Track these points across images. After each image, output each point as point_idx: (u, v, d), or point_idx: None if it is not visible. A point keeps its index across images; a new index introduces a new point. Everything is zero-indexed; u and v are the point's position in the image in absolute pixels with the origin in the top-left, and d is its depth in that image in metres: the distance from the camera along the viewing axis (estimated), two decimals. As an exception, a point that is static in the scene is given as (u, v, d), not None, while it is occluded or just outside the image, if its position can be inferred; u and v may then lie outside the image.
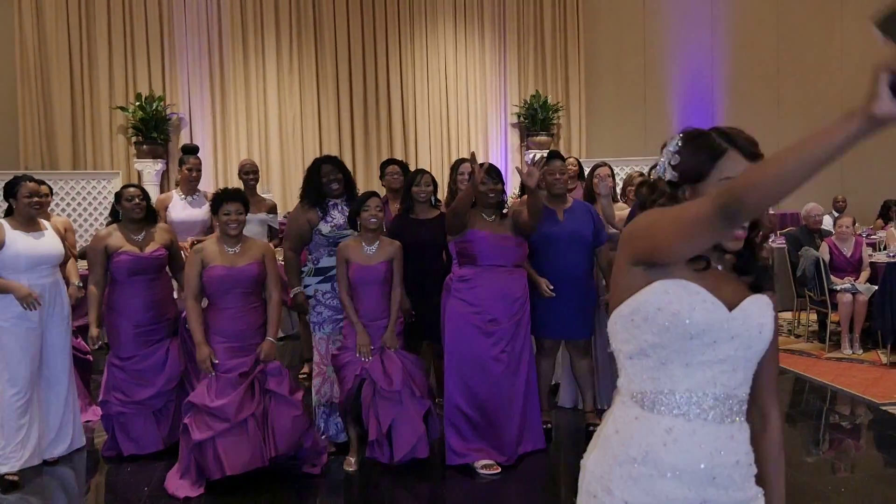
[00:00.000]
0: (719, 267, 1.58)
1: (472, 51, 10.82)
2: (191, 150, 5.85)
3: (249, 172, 6.04)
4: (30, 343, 4.20)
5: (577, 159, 5.83)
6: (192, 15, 10.00)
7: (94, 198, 9.15)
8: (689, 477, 1.46)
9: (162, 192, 8.34)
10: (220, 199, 4.05)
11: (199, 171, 5.71)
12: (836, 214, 9.11)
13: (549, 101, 10.66)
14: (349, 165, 10.38)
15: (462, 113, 10.81)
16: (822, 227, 7.87)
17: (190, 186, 5.60)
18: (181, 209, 5.54)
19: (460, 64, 10.79)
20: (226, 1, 10.05)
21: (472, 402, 4.15)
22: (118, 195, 4.51)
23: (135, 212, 4.45)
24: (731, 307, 1.50)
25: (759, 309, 1.53)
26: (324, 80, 10.37)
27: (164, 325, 4.53)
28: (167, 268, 4.63)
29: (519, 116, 10.82)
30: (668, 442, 1.47)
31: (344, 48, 10.39)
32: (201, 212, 5.51)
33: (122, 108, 9.66)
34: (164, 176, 9.78)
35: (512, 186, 9.89)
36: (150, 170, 9.51)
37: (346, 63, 10.40)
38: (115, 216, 4.53)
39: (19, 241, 4.21)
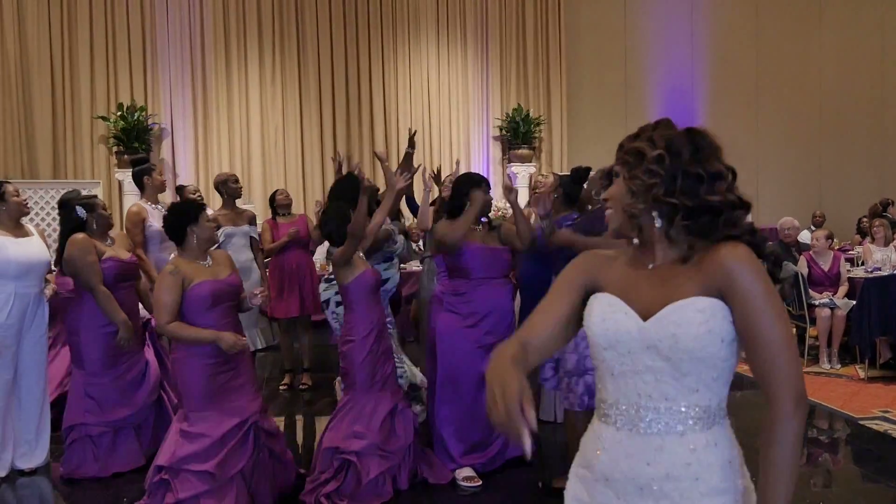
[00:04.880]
0: (650, 266, 1.56)
1: (454, 63, 10.86)
2: (139, 161, 5.76)
3: (237, 182, 5.99)
4: (6, 356, 4.12)
5: (555, 173, 5.84)
6: (175, 25, 9.97)
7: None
8: (617, 485, 1.53)
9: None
10: (198, 209, 3.71)
11: (164, 179, 5.64)
12: (814, 229, 9.20)
13: (530, 114, 10.72)
14: (331, 176, 10.34)
15: (444, 125, 10.84)
16: (801, 241, 7.96)
17: (157, 196, 5.45)
18: (158, 219, 5.32)
19: (443, 76, 10.83)
20: (208, 12, 10.04)
21: (466, 414, 4.15)
22: (90, 206, 4.28)
23: (110, 220, 4.40)
24: (650, 315, 1.50)
25: (680, 316, 1.47)
26: (306, 92, 10.37)
27: (138, 334, 4.45)
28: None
29: (501, 129, 10.87)
30: (600, 449, 1.57)
31: (327, 60, 10.40)
32: None
33: (104, 118, 9.60)
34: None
35: (497, 199, 9.94)
36: (130, 180, 9.41)
37: (328, 75, 10.41)
38: (79, 226, 4.24)
39: (10, 246, 4.09)
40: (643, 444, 1.49)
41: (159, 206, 5.42)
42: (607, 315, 1.54)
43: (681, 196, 1.52)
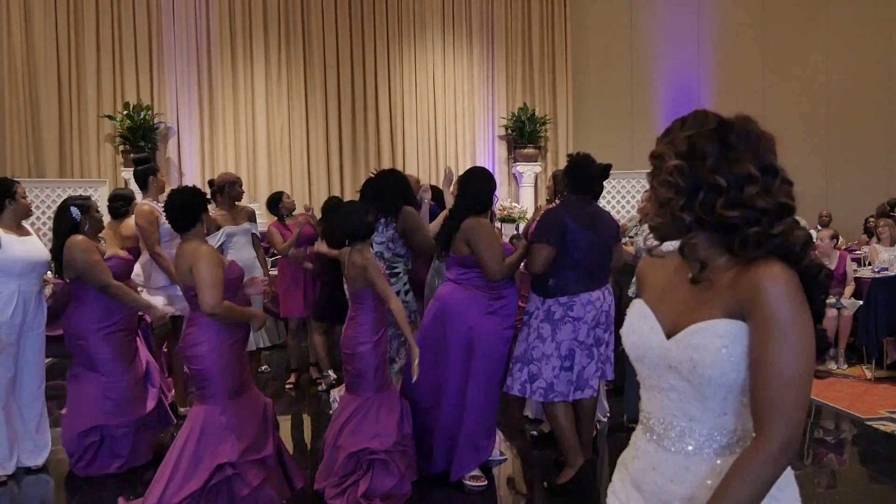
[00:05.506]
0: (689, 275, 1.44)
1: (460, 63, 10.86)
2: (142, 161, 5.78)
3: (242, 185, 6.01)
4: (8, 353, 4.14)
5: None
6: (181, 24, 9.99)
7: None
8: (645, 495, 1.49)
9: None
10: (205, 200, 3.73)
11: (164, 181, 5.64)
12: (820, 229, 9.16)
13: (536, 113, 10.71)
14: (336, 176, 10.45)
15: (450, 125, 10.83)
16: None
17: (157, 195, 5.43)
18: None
19: (448, 75, 10.82)
20: (214, 11, 10.05)
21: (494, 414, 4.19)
22: (84, 207, 4.28)
23: (102, 222, 4.45)
24: (676, 331, 1.41)
25: (699, 340, 1.36)
26: (312, 91, 10.38)
27: (136, 332, 4.51)
28: None
29: (506, 129, 10.86)
30: (635, 456, 1.54)
31: (332, 59, 10.40)
32: None
33: (110, 117, 9.62)
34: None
35: (500, 198, 9.94)
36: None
37: (334, 73, 10.41)
38: (73, 227, 4.24)
39: (15, 244, 4.14)
40: (670, 461, 1.44)
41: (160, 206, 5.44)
42: (635, 326, 1.49)
43: (699, 211, 1.37)
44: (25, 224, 4.40)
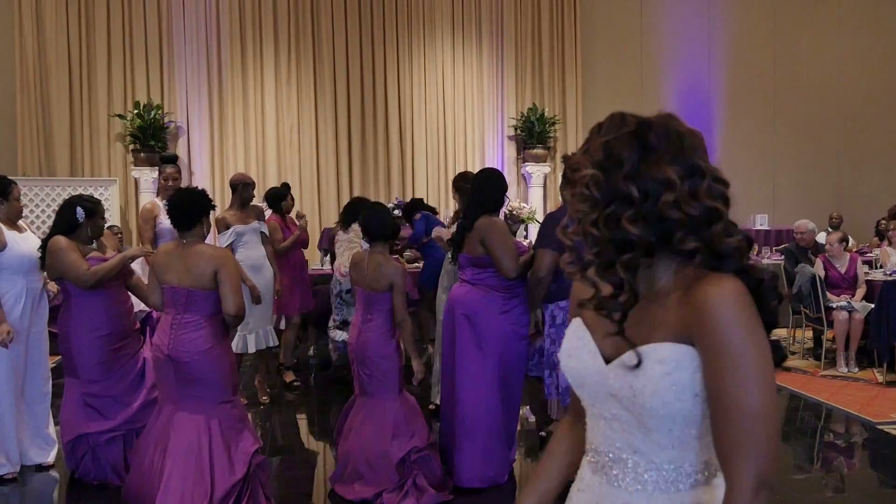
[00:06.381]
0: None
1: (469, 63, 10.84)
2: (168, 159, 5.77)
3: (255, 188, 6.04)
4: (16, 348, 4.14)
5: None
6: (191, 24, 10.01)
7: (91, 205, 9.12)
8: None
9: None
10: (209, 203, 3.73)
11: (176, 180, 5.58)
12: (830, 231, 9.11)
13: (545, 113, 10.68)
14: (345, 175, 10.46)
15: (459, 125, 10.82)
16: (820, 242, 7.87)
17: (168, 195, 5.46)
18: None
19: (458, 75, 10.81)
20: (224, 10, 10.07)
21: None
22: (92, 211, 4.17)
23: (102, 230, 4.34)
24: (616, 356, 1.26)
25: (642, 365, 1.21)
26: (321, 91, 10.38)
27: (136, 335, 4.36)
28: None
29: (516, 129, 10.84)
30: (580, 489, 1.40)
31: (342, 59, 10.40)
32: None
33: (121, 116, 9.65)
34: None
35: (512, 197, 9.93)
36: (147, 178, 9.50)
37: (343, 74, 10.42)
38: (71, 228, 4.12)
39: (20, 242, 4.17)
40: (612, 496, 1.30)
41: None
42: (573, 350, 1.35)
43: (602, 228, 1.22)
44: (21, 222, 4.38)
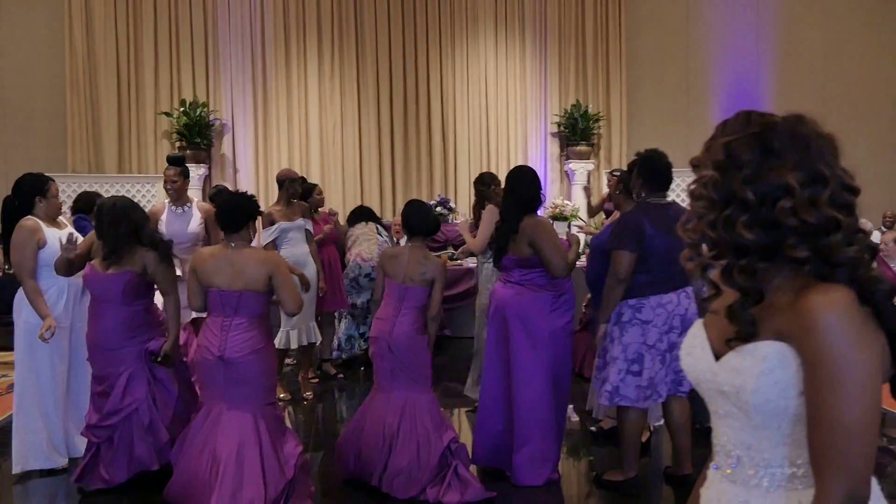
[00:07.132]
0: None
1: (512, 59, 10.77)
2: (173, 160, 5.38)
3: (301, 185, 6.06)
4: (60, 343, 4.21)
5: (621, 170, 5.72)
6: (236, 23, 10.13)
7: (139, 201, 9.26)
8: None
9: (204, 197, 8.40)
10: (255, 208, 3.80)
11: (175, 182, 5.22)
12: (885, 230, 8.87)
13: (589, 110, 10.56)
14: (388, 172, 10.48)
15: (502, 121, 10.76)
16: (874, 241, 7.65)
17: (171, 197, 5.26)
18: (172, 221, 5.18)
19: (500, 72, 10.75)
20: (269, 9, 10.17)
21: None
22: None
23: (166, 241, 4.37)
24: (725, 352, 1.27)
25: (741, 362, 1.22)
26: (364, 88, 10.42)
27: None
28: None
29: (559, 126, 10.73)
30: (706, 486, 1.41)
31: (385, 56, 10.43)
32: (192, 224, 5.17)
33: (167, 114, 9.82)
34: (207, 181, 9.93)
35: (551, 195, 9.86)
36: (193, 174, 9.61)
37: (386, 71, 10.44)
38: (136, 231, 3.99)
39: (59, 240, 4.20)
40: (731, 493, 1.30)
41: (183, 209, 5.26)
42: (690, 346, 1.36)
43: (720, 231, 1.23)
44: (62, 218, 4.46)
